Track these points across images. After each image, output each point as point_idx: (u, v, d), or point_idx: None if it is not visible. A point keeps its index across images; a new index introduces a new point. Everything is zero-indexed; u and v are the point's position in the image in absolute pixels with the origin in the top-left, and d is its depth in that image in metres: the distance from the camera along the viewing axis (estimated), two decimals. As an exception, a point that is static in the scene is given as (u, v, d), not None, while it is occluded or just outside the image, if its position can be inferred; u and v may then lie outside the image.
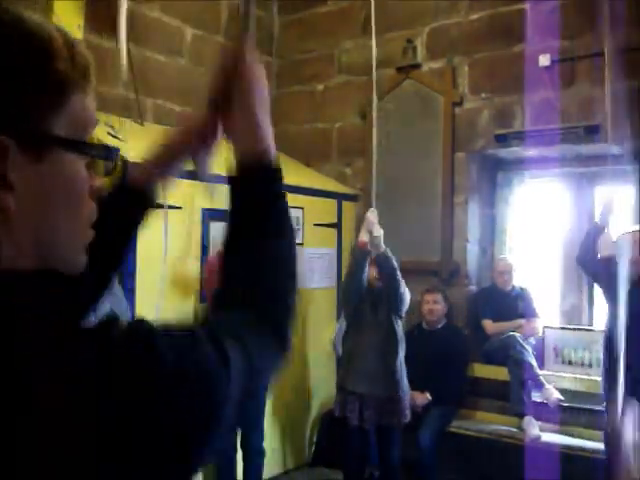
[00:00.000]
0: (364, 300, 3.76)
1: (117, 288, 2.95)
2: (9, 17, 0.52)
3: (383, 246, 3.61)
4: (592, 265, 3.57)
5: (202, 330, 0.60)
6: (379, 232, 3.59)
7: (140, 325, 0.56)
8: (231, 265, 0.75)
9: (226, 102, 0.78)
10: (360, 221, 4.87)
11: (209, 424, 0.57)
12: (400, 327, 3.79)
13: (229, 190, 0.76)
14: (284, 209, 0.77)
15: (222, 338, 0.60)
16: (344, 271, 4.84)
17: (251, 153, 0.76)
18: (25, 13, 0.53)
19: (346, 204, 4.95)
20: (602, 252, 3.47)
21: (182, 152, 0.86)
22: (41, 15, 0.55)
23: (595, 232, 3.56)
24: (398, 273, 3.64)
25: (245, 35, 0.86)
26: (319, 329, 4.62)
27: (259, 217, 0.75)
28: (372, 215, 3.60)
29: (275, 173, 0.77)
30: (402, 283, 3.67)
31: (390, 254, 3.64)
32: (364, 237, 3.63)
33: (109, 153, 0.60)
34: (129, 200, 0.85)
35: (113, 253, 0.87)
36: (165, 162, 0.87)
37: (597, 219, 3.67)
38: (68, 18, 3.82)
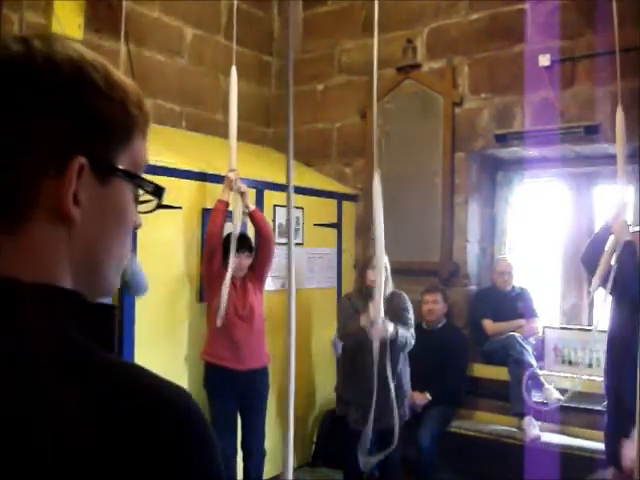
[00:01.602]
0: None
1: (134, 262, 3.06)
2: (100, 65, 0.62)
3: (390, 329, 3.48)
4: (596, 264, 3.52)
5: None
6: (381, 327, 3.34)
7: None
8: None
9: None
10: (360, 221, 4.89)
11: None
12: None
13: None
14: None
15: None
16: (344, 276, 4.86)
17: None
18: (112, 67, 0.63)
19: (346, 204, 4.95)
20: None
21: None
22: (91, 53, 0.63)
23: (605, 232, 3.45)
24: (405, 341, 3.60)
25: None
26: (319, 329, 4.62)
27: None
28: (377, 303, 3.21)
29: None
30: (409, 337, 3.64)
31: (396, 333, 3.53)
32: (364, 322, 3.48)
33: (159, 190, 0.67)
34: None
35: None
36: None
37: (608, 219, 3.53)
38: (68, 18, 3.82)
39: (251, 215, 3.74)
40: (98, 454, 0.51)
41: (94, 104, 0.60)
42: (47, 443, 0.50)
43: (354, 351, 3.70)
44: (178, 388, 0.58)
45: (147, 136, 0.67)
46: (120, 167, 0.63)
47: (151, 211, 0.69)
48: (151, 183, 0.66)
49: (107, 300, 0.65)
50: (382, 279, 3.07)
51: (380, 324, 3.31)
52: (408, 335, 3.64)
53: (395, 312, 3.71)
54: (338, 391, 3.91)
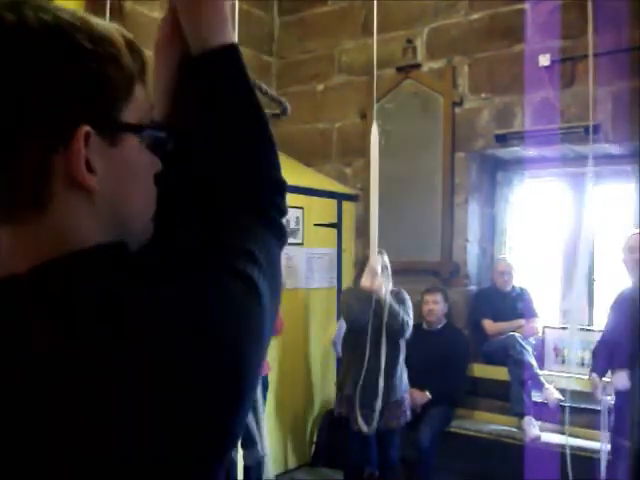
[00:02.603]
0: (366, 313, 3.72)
1: None
2: (80, 22, 0.59)
3: (387, 295, 3.61)
4: None
5: (213, 265, 0.61)
6: (380, 281, 3.56)
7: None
8: (200, 155, 0.72)
9: None
10: (360, 221, 4.88)
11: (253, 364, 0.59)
12: (404, 342, 3.79)
13: (185, 78, 0.73)
14: (245, 89, 0.73)
15: (239, 265, 0.61)
16: (344, 276, 4.86)
17: (199, 34, 0.72)
18: (92, 18, 0.60)
19: (346, 204, 4.95)
20: None
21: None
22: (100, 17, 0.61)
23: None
24: (401, 317, 3.65)
25: None
26: (319, 329, 4.62)
27: (218, 98, 0.71)
28: (373, 261, 3.47)
29: (227, 54, 0.72)
30: (408, 321, 3.68)
31: (394, 306, 3.62)
32: (367, 281, 3.56)
33: (171, 133, 0.67)
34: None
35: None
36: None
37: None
38: (68, 18, 3.82)
39: None
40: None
41: (85, 68, 0.58)
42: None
43: (356, 337, 3.72)
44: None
45: (146, 79, 0.66)
46: (126, 123, 0.61)
47: (167, 153, 0.67)
48: (160, 127, 0.66)
49: None
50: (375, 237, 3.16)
51: (379, 278, 3.51)
52: (405, 317, 3.67)
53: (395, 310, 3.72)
54: (338, 387, 3.90)
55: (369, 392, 3.62)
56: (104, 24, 0.61)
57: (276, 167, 0.74)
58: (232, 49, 0.72)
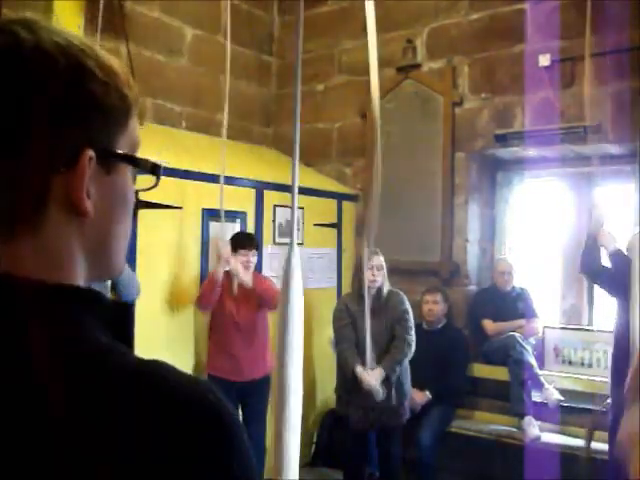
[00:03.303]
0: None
1: (126, 267, 2.97)
2: (89, 49, 0.60)
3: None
4: (598, 272, 3.55)
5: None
6: None
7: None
8: None
9: None
10: (360, 221, 4.88)
11: None
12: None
13: None
14: None
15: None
16: (344, 276, 4.86)
17: None
18: (96, 48, 0.62)
19: (346, 204, 4.95)
20: (608, 249, 3.44)
21: None
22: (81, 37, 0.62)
23: (592, 240, 3.53)
24: (406, 350, 3.70)
25: None
26: (319, 329, 4.62)
27: None
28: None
29: None
30: (411, 342, 3.73)
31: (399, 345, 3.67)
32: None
33: (158, 168, 0.68)
34: None
35: None
36: None
37: (590, 227, 3.62)
38: (68, 18, 3.81)
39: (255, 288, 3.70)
40: (120, 460, 0.50)
41: (93, 92, 0.59)
42: (63, 446, 0.50)
43: (355, 336, 3.71)
44: (201, 383, 0.58)
45: (137, 114, 0.67)
46: (124, 153, 0.62)
47: (150, 188, 0.69)
48: (149, 162, 0.66)
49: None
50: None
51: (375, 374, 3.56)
52: (409, 339, 3.67)
53: (393, 312, 3.72)
54: (338, 392, 3.91)
55: (368, 397, 3.63)
56: (108, 55, 0.63)
57: None
58: None
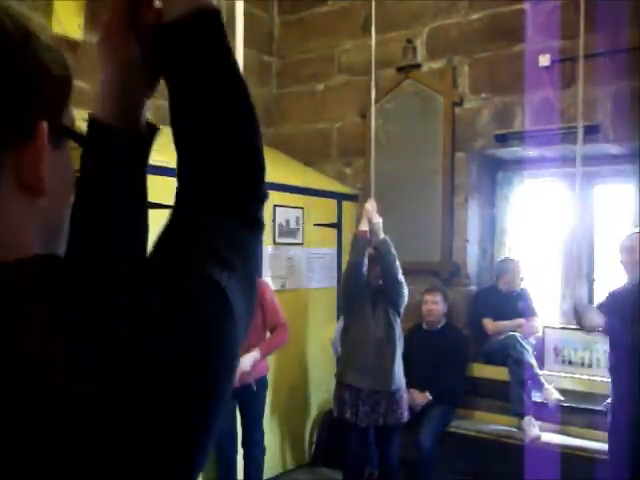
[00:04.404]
0: (363, 296, 3.79)
1: None
2: (32, 18, 0.56)
3: (382, 234, 3.74)
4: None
5: (178, 277, 0.57)
6: (378, 220, 3.74)
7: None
8: (179, 134, 0.67)
9: None
10: (360, 221, 4.88)
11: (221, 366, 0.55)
12: (399, 325, 3.80)
13: (161, 47, 0.68)
14: (226, 61, 0.66)
15: (204, 271, 0.57)
16: (344, 268, 4.86)
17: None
18: (43, 24, 0.58)
19: (346, 204, 4.95)
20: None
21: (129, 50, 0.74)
22: (41, 16, 0.59)
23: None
24: (397, 261, 3.73)
25: None
26: (319, 329, 4.62)
27: (196, 72, 0.66)
28: (371, 205, 3.76)
29: (208, 20, 0.65)
30: (400, 272, 3.75)
31: (389, 241, 3.74)
32: (364, 226, 3.77)
33: (84, 139, 0.64)
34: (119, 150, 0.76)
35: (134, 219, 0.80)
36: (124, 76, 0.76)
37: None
38: (68, 18, 3.82)
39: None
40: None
41: (43, 59, 0.55)
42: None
43: (355, 325, 3.79)
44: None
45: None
46: (70, 127, 0.59)
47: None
48: (83, 134, 0.63)
49: None
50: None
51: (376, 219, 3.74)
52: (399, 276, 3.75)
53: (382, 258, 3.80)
54: (337, 387, 3.89)
55: (366, 375, 3.66)
56: (46, 26, 0.59)
57: (257, 150, 0.70)
58: (212, 14, 0.66)
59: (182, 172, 0.67)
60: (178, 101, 0.68)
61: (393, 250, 3.72)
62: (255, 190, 0.69)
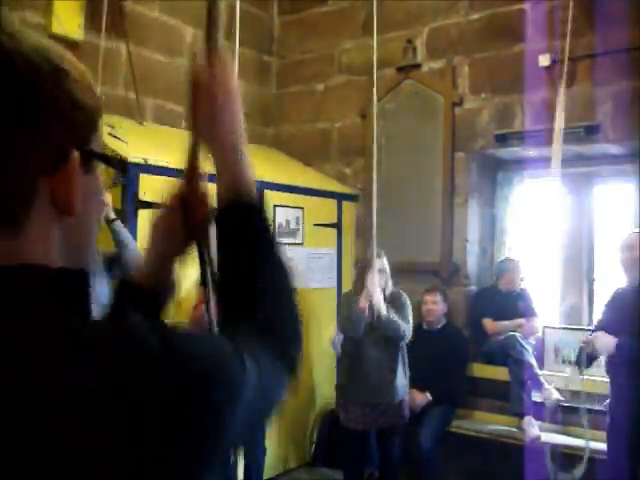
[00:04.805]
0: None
1: (101, 273, 2.90)
2: (64, 53, 0.62)
3: (384, 309, 3.50)
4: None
5: (223, 337, 0.65)
6: (379, 297, 3.48)
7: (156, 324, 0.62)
8: (229, 298, 0.78)
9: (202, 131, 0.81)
10: (360, 221, 4.88)
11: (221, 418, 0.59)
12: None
13: (216, 226, 0.80)
14: (268, 242, 0.80)
15: (240, 348, 0.64)
16: (344, 276, 4.86)
17: (229, 189, 0.78)
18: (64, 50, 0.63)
19: (346, 204, 4.95)
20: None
21: (176, 234, 0.89)
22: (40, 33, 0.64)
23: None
24: (402, 329, 3.61)
25: (210, 48, 0.83)
26: (319, 329, 4.62)
27: (246, 251, 0.77)
28: (371, 282, 3.44)
29: (254, 208, 0.78)
30: (408, 331, 3.66)
31: (392, 317, 3.55)
32: (364, 301, 3.48)
33: (125, 166, 0.71)
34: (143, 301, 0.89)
35: None
36: (165, 255, 0.91)
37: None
38: (68, 18, 3.82)
39: None
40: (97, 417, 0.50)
41: (74, 93, 0.60)
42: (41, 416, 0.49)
43: (354, 345, 3.70)
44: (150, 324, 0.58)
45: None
46: (101, 153, 0.64)
47: (116, 184, 0.73)
48: (120, 159, 0.68)
49: None
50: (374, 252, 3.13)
51: (377, 299, 3.46)
52: (405, 325, 3.65)
53: (394, 309, 3.72)
54: (338, 390, 3.91)
55: (369, 393, 3.63)
56: (73, 56, 0.63)
57: (298, 321, 0.85)
58: (257, 206, 0.79)
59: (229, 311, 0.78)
60: (228, 266, 0.80)
61: (395, 321, 3.57)
62: (293, 341, 0.82)
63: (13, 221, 0.57)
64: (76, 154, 0.59)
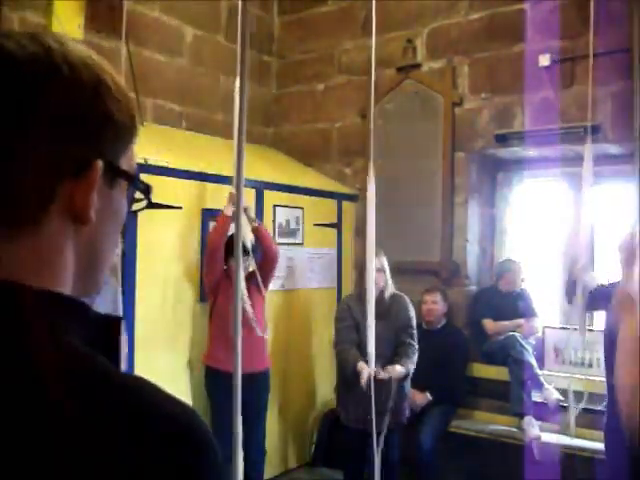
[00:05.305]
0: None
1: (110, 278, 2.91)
2: (107, 68, 0.63)
3: (384, 374, 3.52)
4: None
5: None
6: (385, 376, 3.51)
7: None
8: None
9: None
10: (360, 221, 4.88)
11: None
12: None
13: None
14: None
15: None
16: (344, 276, 4.86)
17: None
18: (111, 67, 0.64)
19: (346, 204, 4.95)
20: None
21: None
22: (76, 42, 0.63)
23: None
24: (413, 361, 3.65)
25: None
26: (319, 329, 4.62)
27: None
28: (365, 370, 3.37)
29: None
30: (411, 367, 3.68)
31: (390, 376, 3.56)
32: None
33: (150, 190, 0.69)
34: None
35: None
36: None
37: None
38: (68, 18, 3.82)
39: (256, 231, 3.71)
40: (95, 469, 0.49)
41: (109, 106, 0.61)
42: (44, 453, 0.49)
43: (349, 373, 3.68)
44: (182, 404, 0.57)
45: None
46: (126, 170, 0.64)
47: (142, 209, 0.71)
48: (144, 183, 0.68)
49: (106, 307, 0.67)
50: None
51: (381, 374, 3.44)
52: (410, 366, 3.66)
53: (398, 318, 3.71)
54: (337, 390, 3.90)
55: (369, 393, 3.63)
56: (117, 74, 0.65)
57: None
58: None
59: None
60: None
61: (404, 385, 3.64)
62: None
63: (27, 220, 0.58)
64: (100, 164, 0.59)
